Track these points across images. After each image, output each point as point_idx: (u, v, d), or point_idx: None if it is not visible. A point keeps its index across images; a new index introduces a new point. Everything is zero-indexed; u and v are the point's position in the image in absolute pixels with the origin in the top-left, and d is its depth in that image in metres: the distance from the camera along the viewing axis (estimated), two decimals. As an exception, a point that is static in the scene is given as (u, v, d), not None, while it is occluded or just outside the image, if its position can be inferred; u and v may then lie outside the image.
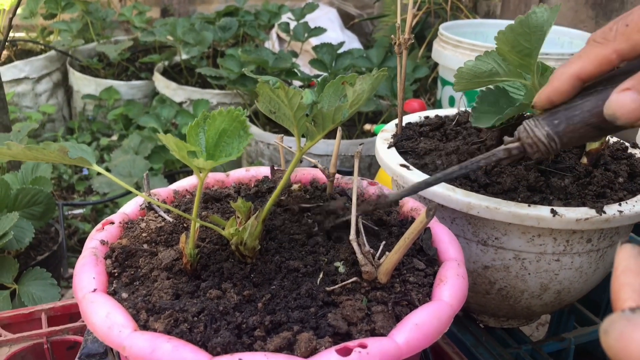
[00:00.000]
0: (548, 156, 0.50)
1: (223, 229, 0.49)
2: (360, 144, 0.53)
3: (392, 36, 0.76)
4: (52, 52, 2.45)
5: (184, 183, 0.65)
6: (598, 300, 0.98)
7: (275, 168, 0.63)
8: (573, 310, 0.87)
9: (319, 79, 0.50)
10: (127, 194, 1.56)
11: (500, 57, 0.62)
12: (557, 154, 0.50)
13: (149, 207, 0.59)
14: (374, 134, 1.82)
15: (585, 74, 0.47)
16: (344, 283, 0.47)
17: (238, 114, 0.42)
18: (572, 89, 0.48)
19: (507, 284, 0.68)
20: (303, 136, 0.47)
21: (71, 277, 1.43)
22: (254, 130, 1.91)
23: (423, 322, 0.44)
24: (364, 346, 0.41)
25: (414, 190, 0.53)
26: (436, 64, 2.18)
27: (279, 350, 0.41)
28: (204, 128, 0.44)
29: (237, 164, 2.11)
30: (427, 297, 0.49)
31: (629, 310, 0.27)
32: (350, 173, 1.66)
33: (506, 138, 0.52)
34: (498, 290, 0.69)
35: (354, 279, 0.47)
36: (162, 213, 0.57)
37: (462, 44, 1.70)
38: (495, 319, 0.77)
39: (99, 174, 2.03)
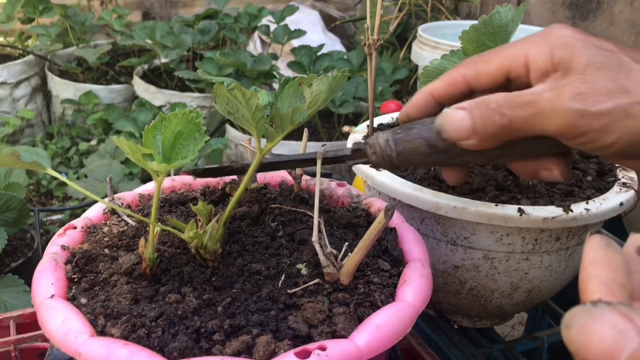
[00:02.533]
0: (384, 162, 0.50)
1: (183, 232, 0.48)
2: (322, 145, 0.52)
3: (362, 37, 0.75)
4: (31, 57, 2.43)
5: (150, 187, 0.64)
6: (574, 298, 0.98)
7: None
8: (547, 309, 0.88)
9: (280, 81, 0.50)
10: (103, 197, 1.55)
11: (465, 57, 0.62)
12: (395, 166, 0.51)
13: (112, 212, 0.58)
14: (354, 136, 1.82)
15: (437, 91, 0.50)
16: (305, 285, 0.46)
17: (193, 117, 0.41)
18: (426, 105, 0.50)
19: (478, 284, 0.68)
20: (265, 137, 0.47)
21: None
22: (234, 133, 1.91)
23: (384, 323, 0.43)
24: (323, 348, 0.41)
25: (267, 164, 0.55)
26: (417, 65, 2.18)
27: (237, 354, 0.41)
28: (161, 130, 0.44)
29: (217, 168, 2.09)
30: (391, 297, 0.48)
31: (590, 303, 0.26)
32: (328, 175, 1.66)
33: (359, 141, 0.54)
34: (469, 290, 0.69)
35: (316, 280, 0.47)
36: (124, 217, 0.56)
37: (441, 46, 1.71)
38: (468, 319, 0.77)
39: (78, 178, 2.01)
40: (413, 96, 0.51)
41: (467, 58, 0.50)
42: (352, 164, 0.53)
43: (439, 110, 0.48)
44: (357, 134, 0.80)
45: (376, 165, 0.51)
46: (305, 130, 0.62)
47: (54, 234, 1.73)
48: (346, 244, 0.49)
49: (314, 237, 0.47)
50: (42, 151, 0.45)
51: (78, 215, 1.77)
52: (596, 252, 0.29)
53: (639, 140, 0.41)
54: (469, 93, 0.49)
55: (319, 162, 0.51)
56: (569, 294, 0.92)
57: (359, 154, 0.52)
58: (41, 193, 2.02)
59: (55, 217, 1.80)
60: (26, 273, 1.22)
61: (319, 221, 0.47)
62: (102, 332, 0.43)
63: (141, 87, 2.25)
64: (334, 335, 0.43)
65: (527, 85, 0.46)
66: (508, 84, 0.47)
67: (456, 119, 0.45)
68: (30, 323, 0.80)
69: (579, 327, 0.25)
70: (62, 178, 0.47)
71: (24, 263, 1.25)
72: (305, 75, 1.67)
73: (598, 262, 0.29)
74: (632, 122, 0.41)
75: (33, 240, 1.36)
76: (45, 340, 0.77)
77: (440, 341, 0.76)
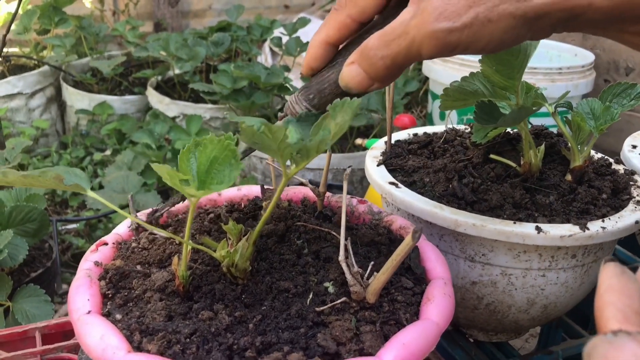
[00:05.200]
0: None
1: (215, 250, 0.50)
2: (348, 167, 0.54)
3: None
4: (46, 68, 2.46)
5: (178, 204, 0.66)
6: (587, 313, 0.99)
7: (266, 187, 0.65)
8: (561, 324, 0.89)
9: (297, 117, 0.52)
10: (121, 209, 1.57)
11: (485, 79, 0.64)
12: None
13: (137, 229, 0.60)
14: (366, 148, 1.84)
15: (332, 38, 0.52)
16: (333, 303, 0.48)
17: (229, 143, 0.43)
18: (326, 53, 0.52)
19: (495, 299, 0.69)
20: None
21: (65, 293, 1.44)
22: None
23: (410, 342, 0.45)
24: (352, 365, 0.42)
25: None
26: (427, 77, 2.20)
27: (269, 370, 0.42)
28: (195, 154, 0.45)
29: (230, 178, 2.11)
30: (415, 316, 0.50)
31: (611, 333, 0.27)
32: (341, 188, 1.67)
33: (279, 114, 0.56)
34: (486, 305, 0.70)
35: (343, 299, 0.48)
36: (158, 233, 0.58)
37: (451, 59, 1.73)
38: (484, 333, 0.79)
39: (92, 188, 2.03)
40: (309, 49, 0.53)
41: (339, 1, 0.51)
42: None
43: (336, 52, 0.53)
44: (375, 150, 0.82)
45: None
46: (329, 148, 0.64)
47: (70, 243, 1.74)
48: (372, 263, 0.50)
49: (341, 256, 0.49)
50: (82, 173, 0.47)
51: (93, 225, 1.78)
52: (611, 280, 0.30)
53: (508, 38, 0.44)
54: (361, 28, 0.52)
55: (345, 183, 0.52)
56: (582, 309, 0.94)
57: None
58: (56, 202, 2.05)
59: (70, 226, 1.83)
60: (45, 283, 1.24)
61: (345, 242, 0.49)
62: (138, 348, 0.45)
63: (155, 98, 2.28)
64: (361, 353, 0.45)
65: None
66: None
67: (354, 75, 0.49)
68: (55, 334, 0.82)
69: (600, 356, 0.26)
70: (101, 199, 0.49)
71: (43, 273, 1.27)
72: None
73: (613, 290, 0.30)
74: (495, 26, 0.43)
75: (51, 250, 1.38)
76: (70, 351, 0.79)
77: (456, 355, 0.78)
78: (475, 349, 0.78)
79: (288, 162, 0.49)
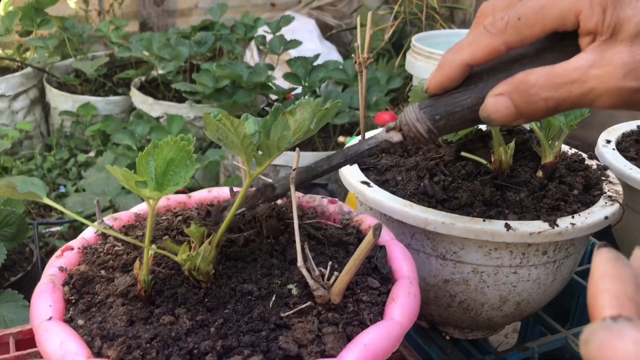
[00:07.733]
0: (426, 145, 0.53)
1: (177, 254, 0.49)
2: (293, 169, 0.53)
3: (353, 55, 0.77)
4: (29, 69, 2.44)
5: (146, 206, 0.66)
6: (566, 307, 0.99)
7: (235, 190, 0.64)
8: (538, 320, 0.89)
9: (271, 109, 0.51)
10: (103, 211, 1.56)
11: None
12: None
13: (103, 234, 0.59)
14: (350, 145, 1.84)
15: (475, 61, 0.48)
16: (298, 308, 0.48)
17: (184, 144, 0.43)
18: (461, 76, 0.49)
19: (467, 297, 0.69)
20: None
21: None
22: (231, 143, 1.92)
23: (372, 342, 0.45)
24: (312, 368, 0.42)
25: (299, 180, 0.54)
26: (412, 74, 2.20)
27: (229, 374, 0.42)
28: (154, 156, 0.45)
29: (215, 177, 2.11)
30: (379, 315, 0.50)
31: (610, 319, 0.26)
32: (323, 186, 1.67)
33: (389, 125, 0.54)
34: (459, 303, 0.70)
35: (308, 303, 0.48)
36: (123, 238, 0.58)
37: (434, 55, 1.72)
38: (459, 331, 0.79)
39: (76, 190, 2.03)
40: (444, 67, 0.49)
41: (493, 23, 0.47)
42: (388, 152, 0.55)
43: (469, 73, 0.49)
44: (349, 149, 0.82)
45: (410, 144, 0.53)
46: (297, 149, 0.63)
47: (53, 245, 1.73)
48: (330, 263, 0.50)
49: (299, 262, 0.49)
50: (38, 181, 0.47)
51: (77, 228, 1.77)
52: (605, 266, 0.29)
53: None
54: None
55: (292, 187, 0.52)
56: (560, 305, 0.94)
57: (399, 145, 0.53)
58: (40, 205, 2.03)
59: (54, 229, 1.82)
60: (25, 287, 1.23)
61: (302, 246, 0.49)
62: (98, 354, 0.45)
63: (139, 99, 2.27)
64: (323, 354, 0.45)
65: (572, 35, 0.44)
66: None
67: (501, 107, 0.46)
68: (29, 339, 0.81)
69: (599, 343, 0.25)
70: (58, 206, 0.49)
71: (23, 277, 1.26)
72: (301, 86, 1.68)
73: (607, 276, 0.28)
74: None
75: (32, 254, 1.37)
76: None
77: (432, 353, 0.78)
78: (452, 346, 0.78)
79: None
